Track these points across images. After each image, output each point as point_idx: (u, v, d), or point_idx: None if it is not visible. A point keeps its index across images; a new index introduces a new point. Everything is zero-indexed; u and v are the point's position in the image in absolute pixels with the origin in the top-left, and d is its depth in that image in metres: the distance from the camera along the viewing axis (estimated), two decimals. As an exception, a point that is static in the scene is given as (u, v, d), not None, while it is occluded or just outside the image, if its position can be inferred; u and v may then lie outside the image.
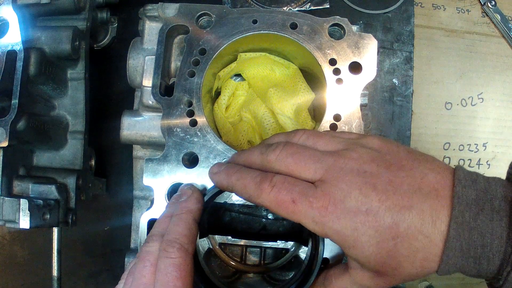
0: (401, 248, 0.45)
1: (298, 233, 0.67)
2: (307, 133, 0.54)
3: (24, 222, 0.61)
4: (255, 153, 0.53)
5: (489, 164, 0.93)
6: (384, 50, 0.91)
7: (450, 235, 0.43)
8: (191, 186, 0.59)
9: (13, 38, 0.63)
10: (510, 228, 0.42)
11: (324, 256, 0.59)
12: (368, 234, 0.45)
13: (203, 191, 0.60)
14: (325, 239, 0.56)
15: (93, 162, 0.82)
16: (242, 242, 0.67)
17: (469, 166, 0.92)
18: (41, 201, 0.64)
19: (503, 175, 0.47)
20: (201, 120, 0.63)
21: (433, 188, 0.45)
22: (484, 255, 0.43)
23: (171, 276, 0.47)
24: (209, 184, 0.60)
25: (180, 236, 0.50)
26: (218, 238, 0.69)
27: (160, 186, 0.62)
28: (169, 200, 0.61)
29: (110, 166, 0.89)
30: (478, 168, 0.92)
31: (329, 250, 0.59)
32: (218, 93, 0.76)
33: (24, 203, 0.61)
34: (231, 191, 0.54)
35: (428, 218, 0.44)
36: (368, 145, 0.50)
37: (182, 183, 0.61)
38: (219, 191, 0.59)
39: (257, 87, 0.75)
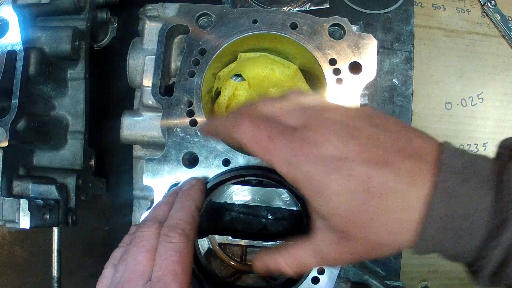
0: (372, 204, 0.41)
1: (298, 233, 0.67)
2: (298, 92, 0.52)
3: (24, 222, 0.61)
4: (244, 104, 0.52)
5: (489, 164, 0.93)
6: (384, 50, 0.91)
7: (433, 200, 0.40)
8: (195, 177, 0.60)
9: (13, 38, 0.63)
10: (497, 200, 0.39)
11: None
12: (338, 182, 0.42)
13: (205, 179, 0.61)
14: None
15: (93, 162, 0.82)
16: (242, 242, 0.67)
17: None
18: (41, 201, 0.64)
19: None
20: (201, 120, 0.63)
21: (417, 152, 0.42)
22: (466, 228, 0.40)
23: (171, 260, 0.46)
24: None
25: (182, 221, 0.50)
26: (218, 238, 0.69)
27: (160, 186, 0.62)
28: None
29: (110, 166, 0.89)
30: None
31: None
32: (218, 93, 0.76)
33: (24, 203, 0.61)
34: (215, 135, 0.53)
35: (406, 178, 0.41)
36: (358, 108, 0.49)
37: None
38: (221, 181, 0.59)
39: (257, 87, 0.75)
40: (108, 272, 0.51)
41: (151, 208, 0.56)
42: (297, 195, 0.58)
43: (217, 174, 0.61)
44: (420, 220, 0.40)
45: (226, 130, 0.48)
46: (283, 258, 0.49)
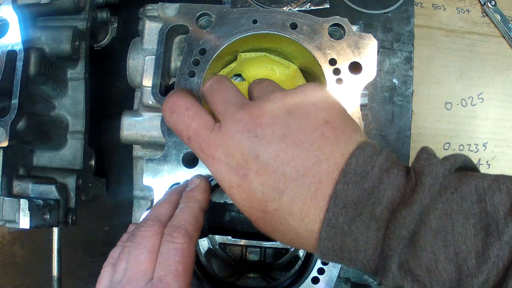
0: (271, 222, 0.44)
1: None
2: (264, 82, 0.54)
3: (24, 222, 0.61)
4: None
5: (489, 164, 0.93)
6: (384, 50, 0.91)
7: (321, 236, 0.41)
8: (199, 175, 0.59)
9: (13, 38, 0.63)
10: (384, 240, 0.39)
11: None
12: (241, 196, 0.44)
13: (209, 177, 0.60)
14: None
15: (93, 162, 0.82)
16: (242, 242, 0.67)
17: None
18: (41, 201, 0.64)
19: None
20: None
21: (317, 180, 0.41)
22: (359, 260, 0.41)
23: (173, 260, 0.46)
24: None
25: (185, 222, 0.50)
26: (218, 238, 0.69)
27: (160, 186, 0.62)
28: None
29: (110, 166, 0.89)
30: (478, 168, 0.92)
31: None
32: (218, 93, 0.76)
33: (24, 203, 0.61)
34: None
35: (297, 211, 0.42)
36: (286, 101, 0.46)
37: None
38: None
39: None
40: (106, 271, 0.51)
41: (153, 206, 0.56)
42: None
43: None
44: (314, 246, 0.43)
45: (165, 119, 0.53)
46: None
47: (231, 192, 0.45)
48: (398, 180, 0.41)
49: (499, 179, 0.39)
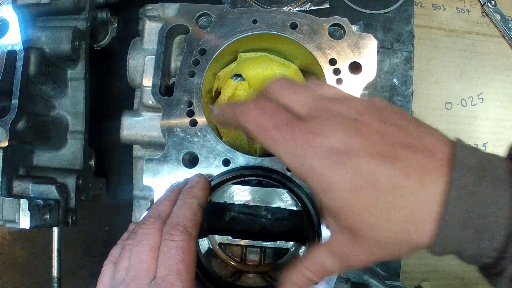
0: (380, 200, 0.39)
1: (298, 233, 0.67)
2: (316, 82, 0.50)
3: (24, 222, 0.61)
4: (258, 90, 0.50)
5: (489, 164, 0.93)
6: (384, 50, 0.91)
7: (450, 198, 0.37)
8: (200, 174, 0.59)
9: (13, 38, 0.63)
10: None
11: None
12: (343, 175, 0.40)
13: (209, 177, 0.60)
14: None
15: (93, 162, 0.82)
16: (242, 242, 0.67)
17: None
18: (41, 201, 0.64)
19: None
20: (201, 120, 0.63)
21: (428, 148, 0.40)
22: (487, 227, 0.37)
23: (174, 259, 0.46)
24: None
25: (184, 219, 0.49)
26: (218, 238, 0.69)
27: (160, 186, 0.62)
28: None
29: (110, 166, 0.89)
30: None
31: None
32: (218, 93, 0.76)
33: (24, 203, 0.61)
34: (224, 123, 0.52)
35: (415, 174, 0.39)
36: (369, 100, 0.46)
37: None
38: (221, 181, 0.59)
39: (257, 87, 0.75)
40: (107, 270, 0.51)
41: (154, 203, 0.55)
42: (297, 195, 0.58)
43: (220, 173, 0.61)
44: (436, 219, 0.38)
45: (234, 117, 0.47)
46: (306, 268, 0.47)
47: (329, 174, 0.41)
48: (503, 157, 0.40)
49: None
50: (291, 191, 0.59)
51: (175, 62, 0.70)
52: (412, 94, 0.90)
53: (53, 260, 0.71)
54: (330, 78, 0.65)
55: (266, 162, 0.62)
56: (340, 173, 0.40)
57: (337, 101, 0.45)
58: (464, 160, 0.39)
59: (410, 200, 0.39)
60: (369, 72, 0.65)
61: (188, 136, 0.63)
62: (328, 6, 0.92)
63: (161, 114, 0.64)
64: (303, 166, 0.42)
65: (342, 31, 0.66)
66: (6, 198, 0.62)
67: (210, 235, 0.69)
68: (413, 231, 0.39)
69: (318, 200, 0.43)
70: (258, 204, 0.66)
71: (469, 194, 0.37)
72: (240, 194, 0.67)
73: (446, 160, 0.39)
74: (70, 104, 0.75)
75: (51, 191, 0.67)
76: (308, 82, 0.48)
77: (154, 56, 0.67)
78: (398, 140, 0.40)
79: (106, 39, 0.90)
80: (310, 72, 0.73)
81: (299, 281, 0.47)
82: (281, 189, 0.65)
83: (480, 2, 0.94)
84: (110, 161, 0.89)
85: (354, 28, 0.67)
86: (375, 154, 0.40)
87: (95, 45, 0.89)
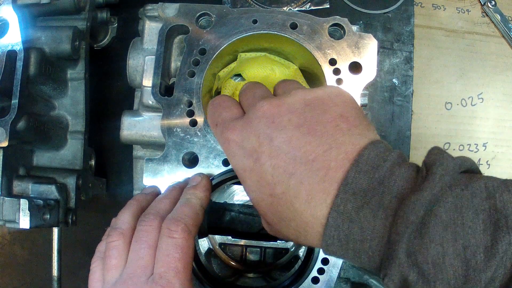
0: (278, 209, 0.44)
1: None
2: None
3: (24, 222, 0.61)
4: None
5: (489, 164, 0.93)
6: (384, 50, 0.91)
7: (328, 223, 0.40)
8: (201, 173, 0.60)
9: (13, 38, 0.63)
10: (392, 227, 0.39)
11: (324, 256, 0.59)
12: (252, 180, 0.45)
13: (210, 176, 0.60)
14: None
15: (93, 162, 0.82)
16: (242, 242, 0.67)
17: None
18: (41, 201, 0.64)
19: (503, 175, 0.46)
20: (201, 120, 0.63)
21: (327, 166, 0.42)
22: (364, 251, 0.40)
23: (173, 257, 0.46)
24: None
25: (185, 216, 0.50)
26: (218, 238, 0.69)
27: (160, 186, 0.62)
28: None
29: (110, 166, 0.89)
30: (479, 168, 0.92)
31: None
32: (218, 93, 0.76)
33: (24, 203, 0.61)
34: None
35: (304, 195, 0.42)
36: (305, 96, 0.47)
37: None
38: (222, 181, 0.59)
39: (257, 87, 0.75)
40: (97, 267, 0.52)
41: (153, 201, 0.55)
42: None
43: (220, 173, 0.61)
44: (319, 238, 0.42)
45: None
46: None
47: (243, 176, 0.47)
48: (409, 173, 0.41)
49: (507, 182, 0.39)
50: None
51: (175, 62, 0.70)
52: (412, 94, 0.90)
53: (53, 260, 0.71)
54: (330, 78, 0.65)
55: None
56: (249, 177, 0.46)
57: (269, 100, 0.48)
58: (354, 184, 0.40)
59: (298, 218, 0.43)
60: (369, 72, 0.65)
61: (188, 136, 0.63)
62: (328, 6, 0.92)
63: (161, 114, 0.64)
64: (231, 161, 0.50)
65: (342, 31, 0.66)
66: (6, 198, 0.62)
67: (210, 235, 0.69)
68: (303, 240, 0.45)
69: None
70: (258, 204, 0.66)
71: (347, 221, 0.40)
72: (240, 194, 0.67)
73: (337, 182, 0.41)
74: (70, 104, 0.75)
75: (51, 191, 0.67)
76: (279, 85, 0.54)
77: (154, 56, 0.67)
78: (302, 154, 0.43)
79: (106, 39, 0.90)
80: (310, 72, 0.73)
81: None
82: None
83: (480, 2, 0.94)
84: (110, 161, 0.89)
85: (354, 28, 0.67)
86: (276, 166, 0.43)
87: (95, 45, 0.89)
